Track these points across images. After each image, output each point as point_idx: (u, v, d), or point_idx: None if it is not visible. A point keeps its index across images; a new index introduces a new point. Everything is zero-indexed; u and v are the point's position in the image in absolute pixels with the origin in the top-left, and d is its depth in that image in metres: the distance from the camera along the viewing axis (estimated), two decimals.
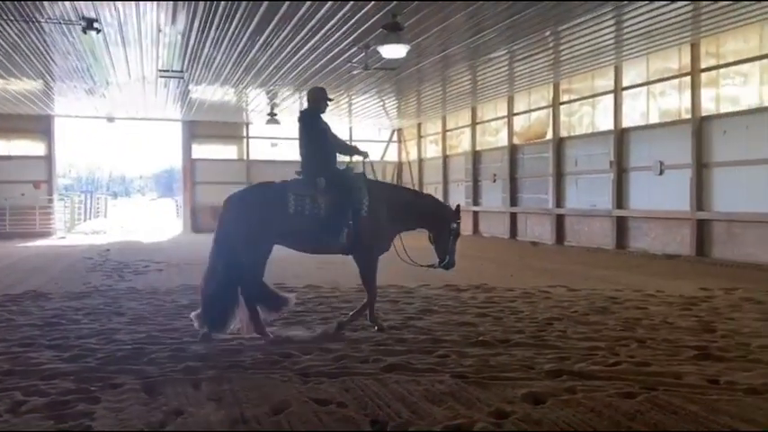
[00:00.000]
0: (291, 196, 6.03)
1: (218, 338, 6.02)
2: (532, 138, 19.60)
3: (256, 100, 20.33)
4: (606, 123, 16.31)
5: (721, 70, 13.22)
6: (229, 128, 25.77)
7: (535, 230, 19.16)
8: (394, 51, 11.69)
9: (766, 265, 11.78)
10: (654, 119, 14.96)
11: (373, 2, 10.27)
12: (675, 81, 14.26)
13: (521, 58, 15.02)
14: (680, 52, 13.99)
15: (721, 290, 8.99)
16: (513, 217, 20.23)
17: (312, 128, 6.37)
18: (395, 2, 10.24)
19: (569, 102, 17.86)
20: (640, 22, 11.95)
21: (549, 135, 18.48)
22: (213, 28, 11.94)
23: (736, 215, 12.68)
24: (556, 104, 18.11)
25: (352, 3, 10.33)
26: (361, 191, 6.28)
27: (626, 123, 15.68)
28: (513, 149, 20.25)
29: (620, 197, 15.75)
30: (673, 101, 14.43)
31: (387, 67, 14.41)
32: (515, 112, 20.20)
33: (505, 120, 20.58)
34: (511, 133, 20.35)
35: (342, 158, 6.69)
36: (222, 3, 10.46)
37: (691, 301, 8.17)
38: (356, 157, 6.71)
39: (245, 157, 26.18)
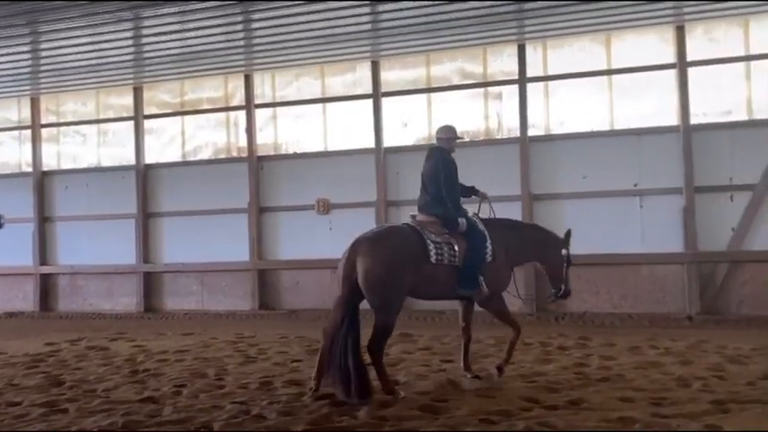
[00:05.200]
0: (431, 243, 5.64)
1: None
2: None
3: None
4: None
5: (62, 128, 13.66)
6: None
7: None
8: None
9: (107, 313, 12.71)
10: None
11: None
12: (16, 133, 13.89)
13: None
14: (20, 104, 13.74)
15: (67, 342, 9.14)
16: None
17: (449, 167, 6.02)
18: None
19: None
20: None
21: None
22: None
23: (80, 268, 13.20)
24: None
25: None
26: (485, 235, 5.95)
27: None
28: None
29: None
30: (13, 152, 13.97)
31: None
32: None
33: None
34: None
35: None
36: None
37: (37, 358, 7.98)
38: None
39: None
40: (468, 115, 11.33)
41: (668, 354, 7.06)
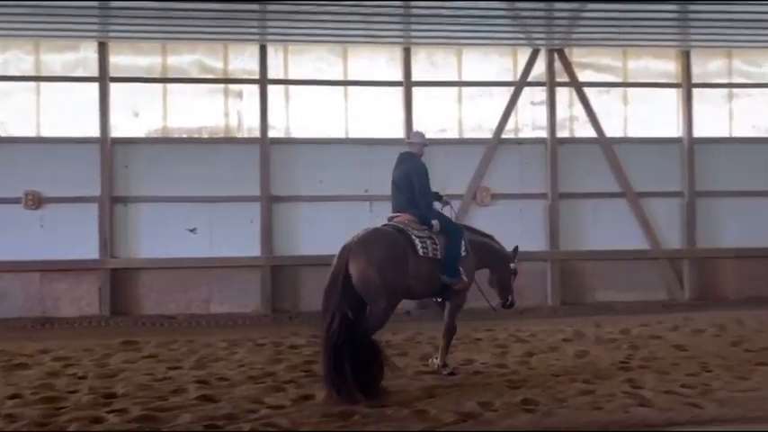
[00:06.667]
0: (416, 238, 5.83)
1: None
2: None
3: None
4: None
5: None
6: None
7: None
8: None
9: None
10: None
11: None
12: None
13: None
14: None
15: None
16: None
17: (420, 172, 6.26)
18: None
19: None
20: None
21: None
22: None
23: None
24: None
25: None
26: (461, 232, 6.25)
27: None
28: None
29: None
30: None
31: None
32: None
33: None
34: None
35: None
36: None
37: None
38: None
39: None
40: (207, 111, 11.00)
41: (388, 347, 7.61)
